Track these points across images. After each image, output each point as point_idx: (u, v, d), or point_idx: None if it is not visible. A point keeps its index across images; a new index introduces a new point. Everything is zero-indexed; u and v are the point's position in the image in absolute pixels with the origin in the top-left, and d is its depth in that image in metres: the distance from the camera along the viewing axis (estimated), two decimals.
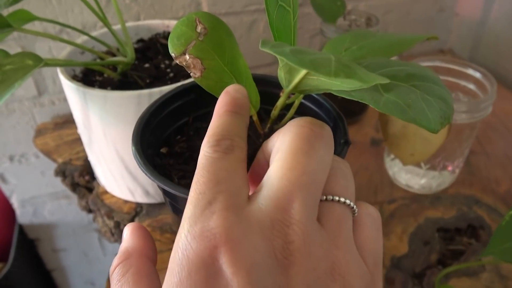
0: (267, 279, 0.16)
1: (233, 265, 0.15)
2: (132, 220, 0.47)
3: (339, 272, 0.17)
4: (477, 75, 0.44)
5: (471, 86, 0.45)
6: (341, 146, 0.28)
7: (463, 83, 0.46)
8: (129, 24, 0.53)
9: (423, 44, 0.79)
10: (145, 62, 0.48)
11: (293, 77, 0.24)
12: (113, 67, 0.46)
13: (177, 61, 0.27)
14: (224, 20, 0.71)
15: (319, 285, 0.16)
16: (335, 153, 0.25)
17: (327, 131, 0.21)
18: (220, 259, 0.16)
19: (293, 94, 0.28)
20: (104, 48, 0.48)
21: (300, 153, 0.19)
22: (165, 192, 0.30)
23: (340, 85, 0.21)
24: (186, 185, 0.30)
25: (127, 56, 0.42)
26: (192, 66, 0.27)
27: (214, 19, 0.27)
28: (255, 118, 0.30)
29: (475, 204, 0.48)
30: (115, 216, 0.47)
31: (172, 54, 0.27)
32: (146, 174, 0.27)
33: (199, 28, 0.27)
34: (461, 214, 0.47)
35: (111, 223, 0.48)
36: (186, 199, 0.27)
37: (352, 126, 0.60)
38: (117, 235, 0.49)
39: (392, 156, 0.49)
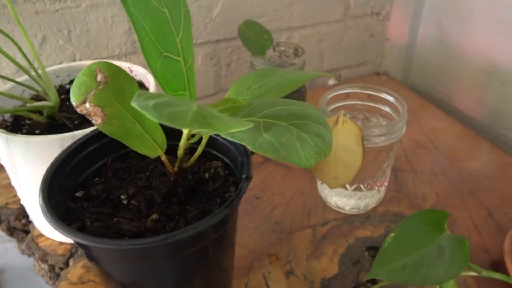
0: None
1: None
2: (66, 262, 0.46)
3: None
4: (391, 99, 0.47)
5: (387, 109, 0.49)
6: (243, 181, 0.30)
7: (380, 106, 0.49)
8: (62, 65, 0.53)
9: (359, 69, 0.83)
10: None
11: None
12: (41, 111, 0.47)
13: (78, 110, 0.28)
14: None
15: None
16: (240, 186, 0.27)
17: None
18: None
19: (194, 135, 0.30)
20: (34, 92, 0.49)
21: None
22: (74, 240, 0.30)
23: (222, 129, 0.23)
24: (99, 228, 0.31)
25: (51, 100, 0.43)
26: (93, 113, 0.28)
27: (114, 67, 0.29)
28: (163, 158, 0.32)
29: None
30: (49, 259, 0.47)
31: (73, 103, 0.28)
32: (50, 224, 0.27)
33: (99, 77, 0.28)
34: (389, 231, 0.49)
35: (46, 267, 0.47)
36: (96, 247, 0.28)
37: None
38: (54, 279, 0.48)
39: None
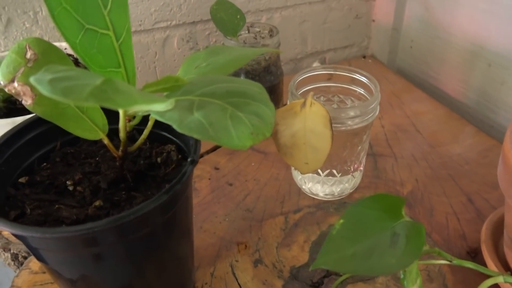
0: None
1: None
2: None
3: None
4: (364, 79, 0.45)
5: (361, 91, 0.46)
6: (188, 165, 0.28)
7: (354, 88, 0.47)
8: None
9: (345, 51, 0.81)
10: None
11: None
12: None
13: (7, 90, 0.26)
14: (135, 38, 0.70)
15: None
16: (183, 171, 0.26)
17: None
18: None
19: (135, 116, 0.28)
20: None
21: None
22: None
23: (150, 108, 0.21)
24: (39, 215, 0.29)
25: None
26: (22, 93, 0.26)
27: (45, 44, 0.27)
28: (106, 141, 0.30)
29: None
30: (12, 247, 0.45)
31: (2, 83, 0.26)
32: None
33: (28, 55, 0.26)
34: None
35: (8, 256, 0.46)
36: (32, 237, 0.26)
37: None
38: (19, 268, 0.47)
39: None
